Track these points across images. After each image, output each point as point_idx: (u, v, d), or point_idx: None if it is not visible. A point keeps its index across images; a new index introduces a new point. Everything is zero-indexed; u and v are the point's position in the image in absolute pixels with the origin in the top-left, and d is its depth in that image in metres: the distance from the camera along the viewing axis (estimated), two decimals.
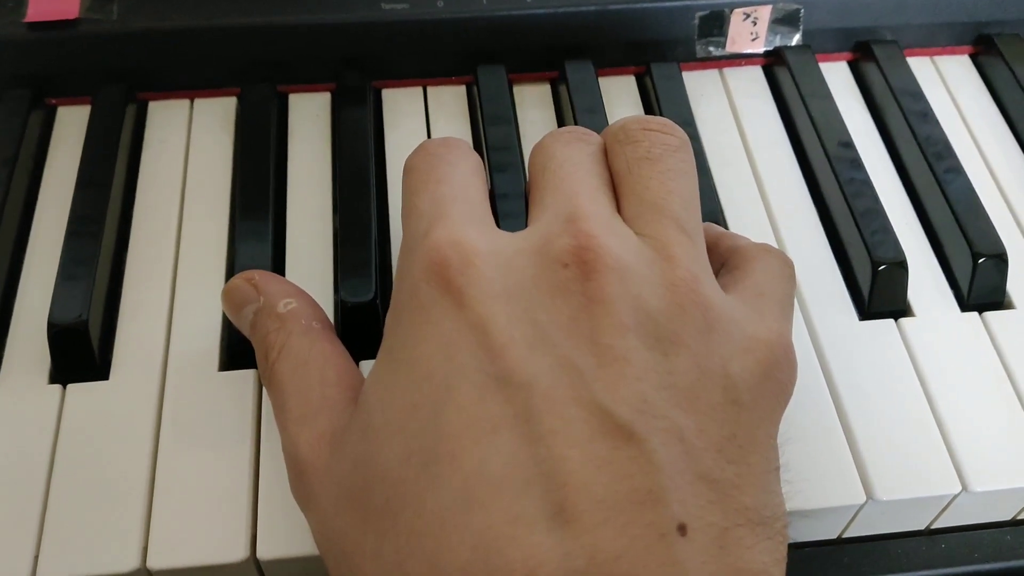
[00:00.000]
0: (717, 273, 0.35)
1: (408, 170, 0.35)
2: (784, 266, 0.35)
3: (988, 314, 0.41)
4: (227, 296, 0.36)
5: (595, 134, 0.36)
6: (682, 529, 0.26)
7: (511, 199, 0.42)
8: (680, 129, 0.35)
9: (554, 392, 0.27)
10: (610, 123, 0.46)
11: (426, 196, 0.33)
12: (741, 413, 0.29)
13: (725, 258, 0.36)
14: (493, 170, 0.43)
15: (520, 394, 0.27)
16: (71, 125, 0.47)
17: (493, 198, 0.42)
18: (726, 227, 0.43)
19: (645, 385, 0.27)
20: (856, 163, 0.45)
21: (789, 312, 0.34)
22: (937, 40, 0.52)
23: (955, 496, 0.36)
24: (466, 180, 0.34)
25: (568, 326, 0.28)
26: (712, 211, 0.43)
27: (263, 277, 0.36)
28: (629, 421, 0.27)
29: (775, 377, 0.30)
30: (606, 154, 0.35)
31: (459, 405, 0.27)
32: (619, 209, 0.33)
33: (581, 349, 0.28)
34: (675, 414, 0.27)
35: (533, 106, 0.49)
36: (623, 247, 0.30)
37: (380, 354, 0.31)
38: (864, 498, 0.35)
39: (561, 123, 0.48)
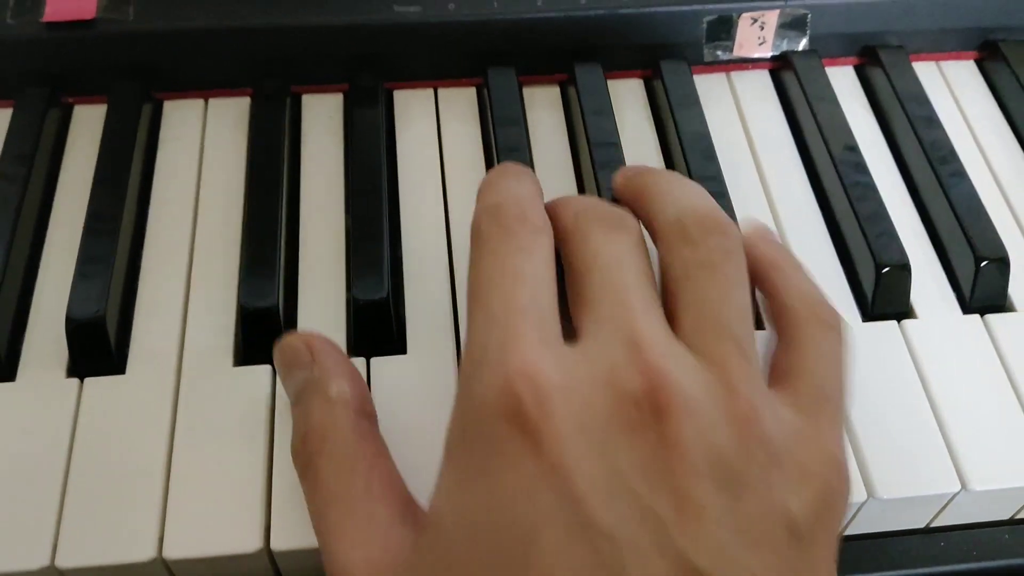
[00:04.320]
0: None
1: (479, 239, 0.34)
2: (840, 343, 0.34)
3: (990, 317, 0.41)
4: (280, 353, 0.35)
5: (630, 217, 0.35)
6: None
7: None
8: (734, 226, 0.34)
9: (638, 542, 0.27)
10: (619, 127, 0.47)
11: (498, 297, 0.32)
12: (803, 548, 0.29)
13: (775, 317, 0.35)
14: None
15: (605, 544, 0.27)
16: (88, 124, 0.48)
17: None
18: None
19: (721, 530, 0.28)
20: (861, 167, 0.45)
21: (844, 407, 0.33)
22: (943, 45, 0.52)
23: (955, 495, 0.36)
24: (539, 278, 0.32)
25: (645, 470, 0.28)
26: None
27: (321, 346, 0.35)
28: (710, 570, 0.27)
29: (832, 507, 0.31)
30: (645, 243, 0.34)
31: (545, 551, 0.27)
32: (672, 314, 0.32)
33: (661, 497, 0.28)
34: (746, 556, 0.28)
35: (543, 108, 0.49)
36: (690, 381, 0.30)
37: (449, 476, 0.31)
38: (864, 496, 0.36)
39: (570, 127, 0.49)
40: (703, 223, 0.34)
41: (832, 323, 0.34)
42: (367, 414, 0.34)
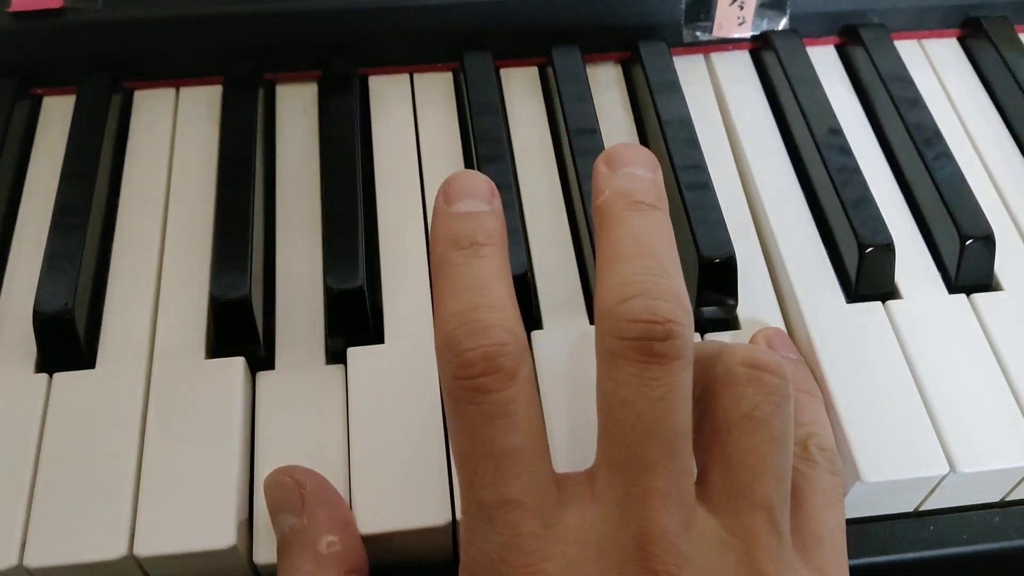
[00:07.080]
0: None
1: (447, 395, 0.29)
2: (837, 487, 0.33)
3: (976, 296, 0.41)
4: (269, 491, 0.34)
5: (681, 331, 0.28)
6: None
7: (500, 190, 0.42)
8: (781, 368, 0.30)
9: None
10: (597, 110, 0.46)
11: (487, 486, 0.28)
12: None
13: None
14: (481, 161, 0.43)
15: None
16: (56, 115, 0.47)
17: None
18: None
19: None
20: (843, 147, 0.45)
21: (843, 550, 0.32)
22: (925, 23, 0.52)
23: (943, 477, 0.36)
24: (527, 448, 0.28)
25: None
26: None
27: (314, 492, 0.33)
28: None
29: None
30: (689, 374, 0.30)
31: None
32: (704, 461, 0.30)
33: None
34: None
35: (521, 92, 0.49)
36: (703, 569, 0.28)
37: None
38: (853, 480, 0.35)
39: (551, 113, 0.48)
40: (752, 361, 0.30)
41: (834, 470, 0.34)
42: (357, 571, 0.32)
